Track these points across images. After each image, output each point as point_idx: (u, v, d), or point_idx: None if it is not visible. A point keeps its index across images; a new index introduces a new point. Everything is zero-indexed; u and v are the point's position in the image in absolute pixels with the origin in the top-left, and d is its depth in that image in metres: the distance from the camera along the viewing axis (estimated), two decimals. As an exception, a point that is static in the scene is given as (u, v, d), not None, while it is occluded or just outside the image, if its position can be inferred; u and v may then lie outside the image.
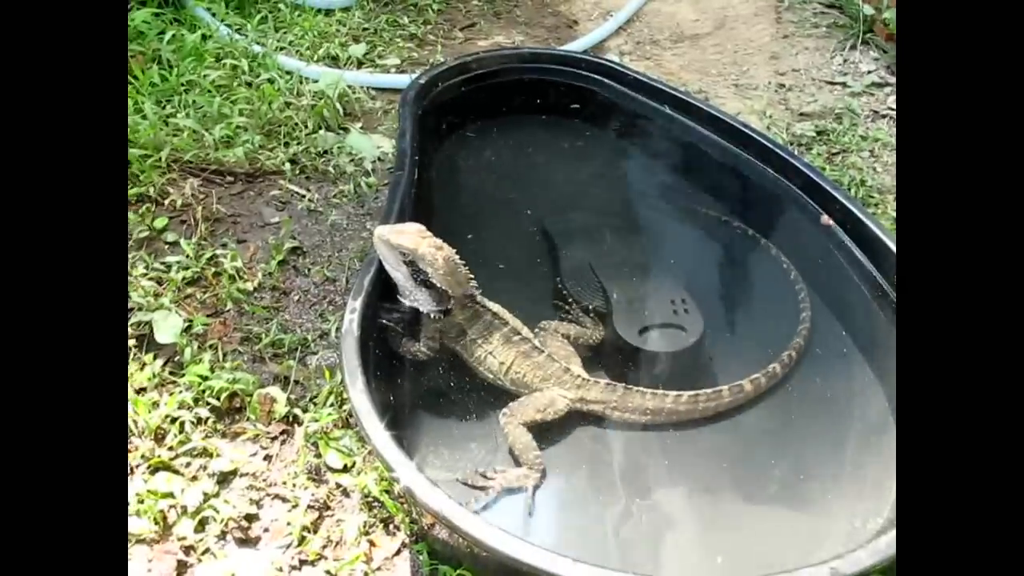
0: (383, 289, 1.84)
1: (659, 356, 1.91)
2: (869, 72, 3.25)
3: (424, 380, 1.88)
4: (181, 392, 1.87)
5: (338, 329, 2.01)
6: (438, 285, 1.78)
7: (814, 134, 2.91)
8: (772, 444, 1.83)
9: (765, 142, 2.37)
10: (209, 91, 2.76)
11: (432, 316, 1.82)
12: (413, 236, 1.78)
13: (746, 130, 2.41)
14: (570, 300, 2.07)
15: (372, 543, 1.66)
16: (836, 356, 2.01)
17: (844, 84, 3.21)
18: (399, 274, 1.80)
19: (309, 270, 2.24)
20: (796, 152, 2.71)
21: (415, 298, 1.82)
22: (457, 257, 1.82)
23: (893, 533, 1.40)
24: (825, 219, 2.21)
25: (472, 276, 1.84)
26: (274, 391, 1.90)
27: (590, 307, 2.05)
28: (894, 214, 2.53)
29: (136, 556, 1.61)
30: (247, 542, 1.67)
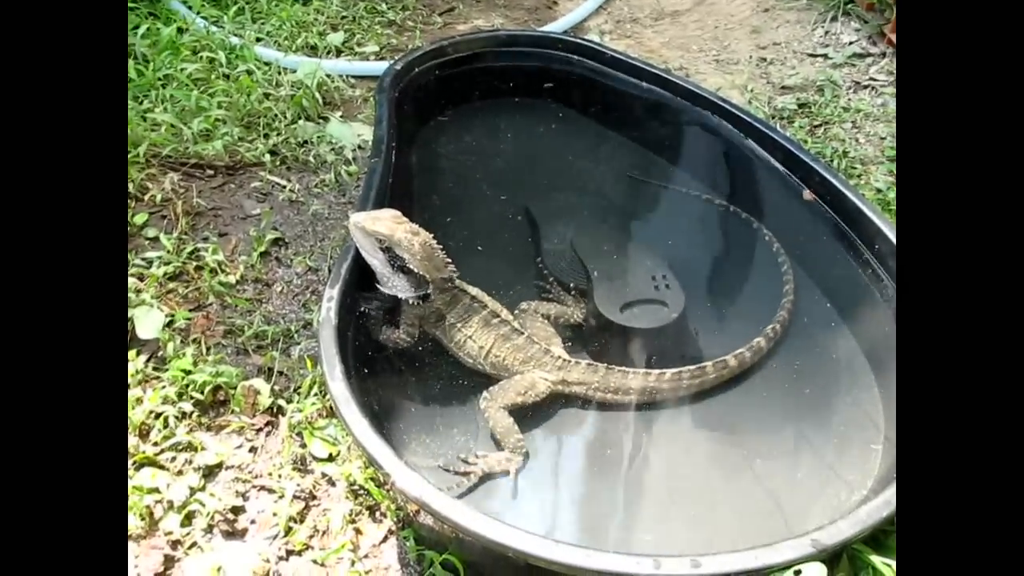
0: (361, 277, 1.83)
1: (641, 332, 1.90)
2: (850, 43, 3.23)
3: (404, 366, 1.87)
4: (164, 387, 1.86)
5: (321, 319, 2.01)
6: (415, 270, 1.77)
7: (796, 107, 2.89)
8: (757, 418, 1.82)
9: (745, 116, 2.36)
10: (186, 85, 2.74)
11: (411, 302, 1.82)
12: (388, 222, 1.77)
13: (725, 105, 2.40)
14: (551, 279, 2.07)
15: (358, 531, 1.66)
16: (822, 327, 2.00)
17: (825, 56, 3.18)
18: (376, 261, 1.80)
19: (291, 261, 2.24)
20: (778, 125, 2.70)
21: (393, 284, 1.81)
22: (434, 242, 1.82)
23: (874, 503, 1.41)
24: (808, 194, 2.20)
25: (450, 260, 1.84)
26: (258, 383, 1.89)
27: (571, 285, 2.04)
28: (877, 184, 2.52)
29: (123, 552, 1.61)
30: (234, 534, 1.67)
